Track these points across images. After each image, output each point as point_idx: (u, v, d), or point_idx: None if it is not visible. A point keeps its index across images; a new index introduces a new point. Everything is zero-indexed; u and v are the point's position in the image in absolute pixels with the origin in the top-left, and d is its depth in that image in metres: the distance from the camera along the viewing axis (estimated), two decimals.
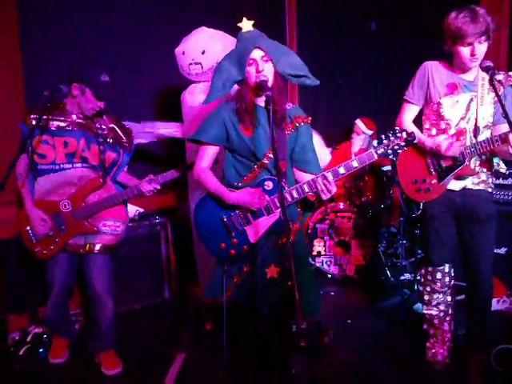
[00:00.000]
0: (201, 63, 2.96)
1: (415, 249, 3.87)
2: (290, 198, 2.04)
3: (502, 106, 2.11)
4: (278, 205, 2.06)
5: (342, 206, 4.03)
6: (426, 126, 2.50)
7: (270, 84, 2.01)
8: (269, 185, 2.07)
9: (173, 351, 2.88)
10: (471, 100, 2.34)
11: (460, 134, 2.36)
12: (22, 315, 3.12)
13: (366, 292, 3.74)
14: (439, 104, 2.39)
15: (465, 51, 2.25)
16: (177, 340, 3.04)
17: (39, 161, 2.43)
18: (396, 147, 1.94)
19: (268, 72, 2.02)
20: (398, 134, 1.93)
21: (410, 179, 2.53)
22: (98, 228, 2.49)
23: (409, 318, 3.13)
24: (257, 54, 2.00)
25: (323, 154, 3.67)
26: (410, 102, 2.49)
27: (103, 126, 2.54)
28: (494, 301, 3.29)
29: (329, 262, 4.00)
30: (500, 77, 2.28)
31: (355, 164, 1.97)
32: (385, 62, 4.60)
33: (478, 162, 2.42)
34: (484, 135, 2.37)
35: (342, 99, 4.80)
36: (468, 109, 2.35)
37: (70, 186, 2.47)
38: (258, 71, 2.00)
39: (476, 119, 2.34)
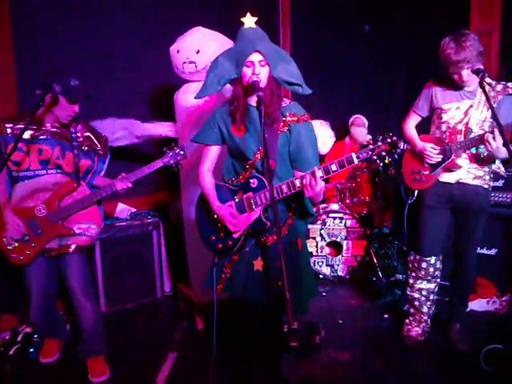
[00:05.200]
0: (195, 62, 2.96)
1: (407, 249, 3.90)
2: (268, 198, 2.05)
3: (492, 108, 2.20)
4: (260, 203, 2.08)
5: (333, 207, 4.04)
6: (432, 128, 2.78)
7: (262, 86, 2.01)
8: (254, 182, 2.10)
9: (164, 350, 2.88)
10: (470, 106, 2.58)
11: (454, 133, 2.62)
12: (12, 315, 3.10)
13: (358, 292, 3.76)
14: (442, 110, 2.65)
15: (454, 77, 2.51)
16: (169, 339, 3.05)
17: (13, 168, 2.44)
18: (383, 153, 1.90)
19: (263, 75, 2.02)
20: (387, 140, 1.89)
21: (409, 170, 2.82)
22: (73, 230, 2.50)
23: (400, 318, 3.14)
24: (255, 57, 2.00)
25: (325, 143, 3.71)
26: (415, 112, 2.82)
27: (78, 134, 2.54)
28: (484, 301, 3.34)
29: (321, 263, 4.02)
30: (499, 87, 2.51)
31: (334, 167, 1.93)
32: (379, 61, 4.63)
33: (465, 157, 2.63)
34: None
35: (335, 98, 4.82)
36: (466, 114, 2.59)
37: (44, 192, 2.48)
38: (253, 73, 2.01)
39: (468, 121, 2.57)
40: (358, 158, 1.91)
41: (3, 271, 2.88)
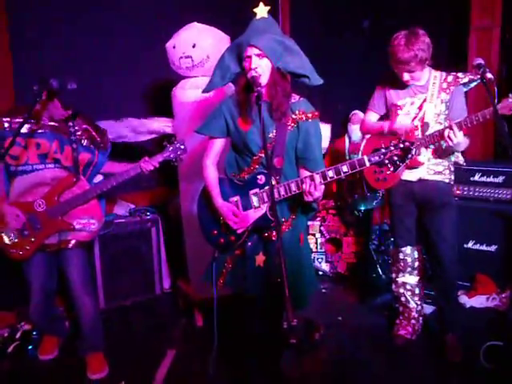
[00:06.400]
0: (191, 56, 2.94)
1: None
2: (276, 195, 2.02)
3: (493, 103, 2.19)
4: (266, 199, 2.06)
5: (333, 204, 4.03)
6: None
7: (264, 80, 2.00)
8: (261, 179, 2.08)
9: (163, 347, 2.87)
10: (424, 101, 2.57)
11: (412, 129, 2.58)
12: (11, 312, 3.09)
13: (357, 289, 3.75)
14: (397, 106, 2.65)
15: (399, 74, 2.52)
16: (168, 336, 3.04)
17: (12, 162, 2.42)
18: (395, 158, 1.87)
19: (263, 69, 1.99)
20: (400, 145, 1.86)
21: (371, 169, 2.78)
22: (73, 225, 2.49)
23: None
24: (251, 51, 1.98)
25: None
26: (371, 110, 2.82)
27: (76, 128, 2.52)
28: (484, 298, 3.33)
29: (320, 259, 4.01)
30: (450, 78, 2.52)
31: (345, 169, 1.92)
32: (379, 57, 4.60)
33: (429, 154, 2.63)
34: (433, 130, 2.55)
35: (335, 95, 4.80)
36: (421, 108, 2.58)
37: (43, 187, 2.46)
38: (250, 68, 1.99)
39: (423, 116, 2.57)
40: (369, 161, 1.90)
41: (2, 268, 2.87)
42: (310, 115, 2.09)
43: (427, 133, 2.55)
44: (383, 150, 1.88)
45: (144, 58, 3.71)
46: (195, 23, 3.04)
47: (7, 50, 3.15)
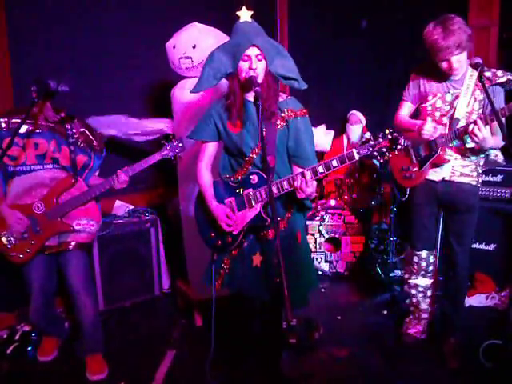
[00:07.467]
0: (191, 57, 2.94)
1: (405, 245, 3.89)
2: (266, 194, 2.04)
3: (491, 101, 2.17)
4: (260, 199, 2.07)
5: (332, 203, 4.04)
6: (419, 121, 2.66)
7: (259, 81, 2.00)
8: (254, 178, 2.09)
9: (163, 348, 2.87)
10: (456, 97, 2.47)
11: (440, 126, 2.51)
12: (10, 313, 3.09)
13: (357, 288, 3.75)
14: (427, 101, 2.57)
15: (443, 65, 2.39)
16: (167, 337, 3.04)
17: (9, 163, 2.42)
18: (383, 149, 1.88)
19: (260, 70, 2.01)
20: (388, 136, 1.88)
21: (398, 167, 2.75)
22: (73, 226, 2.49)
23: (399, 315, 3.14)
24: (252, 51, 1.99)
25: (323, 142, 3.65)
26: (406, 101, 2.72)
27: (74, 130, 2.53)
28: (483, 297, 3.34)
29: (319, 259, 4.01)
30: (488, 73, 2.37)
31: (334, 163, 1.93)
32: (377, 57, 4.62)
33: (455, 153, 2.53)
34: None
35: (333, 94, 4.81)
36: (452, 105, 2.49)
37: (41, 188, 2.46)
38: (250, 68, 1.99)
39: (453, 114, 2.47)
40: (358, 153, 1.90)
41: (1, 270, 2.87)
42: (298, 112, 2.11)
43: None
44: (371, 143, 1.90)
45: (143, 58, 3.70)
46: (196, 23, 3.03)
47: (5, 49, 3.14)
